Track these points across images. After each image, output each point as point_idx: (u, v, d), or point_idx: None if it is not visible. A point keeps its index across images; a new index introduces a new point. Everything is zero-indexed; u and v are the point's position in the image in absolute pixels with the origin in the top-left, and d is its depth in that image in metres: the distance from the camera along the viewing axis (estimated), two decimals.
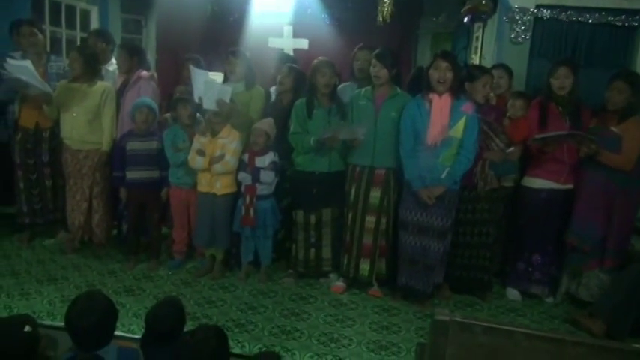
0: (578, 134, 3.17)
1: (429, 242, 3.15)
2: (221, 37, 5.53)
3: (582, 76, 3.92)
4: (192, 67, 3.64)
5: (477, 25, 4.70)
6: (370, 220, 3.32)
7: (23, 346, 1.71)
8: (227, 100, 3.36)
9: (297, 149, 3.43)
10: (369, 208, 3.32)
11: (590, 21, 3.96)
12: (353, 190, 3.35)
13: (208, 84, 3.39)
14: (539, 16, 4.01)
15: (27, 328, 1.71)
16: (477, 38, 4.73)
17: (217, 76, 3.83)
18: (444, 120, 3.03)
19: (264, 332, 2.85)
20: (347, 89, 3.65)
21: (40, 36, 3.81)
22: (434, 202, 3.08)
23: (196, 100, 3.56)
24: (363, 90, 3.36)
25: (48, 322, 2.78)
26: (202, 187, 3.48)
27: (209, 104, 3.37)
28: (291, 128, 3.42)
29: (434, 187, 3.07)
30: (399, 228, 3.26)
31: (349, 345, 2.77)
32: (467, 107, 3.06)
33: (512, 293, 3.49)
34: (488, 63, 4.22)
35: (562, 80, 3.29)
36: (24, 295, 3.13)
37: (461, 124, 3.04)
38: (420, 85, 3.47)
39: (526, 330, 1.62)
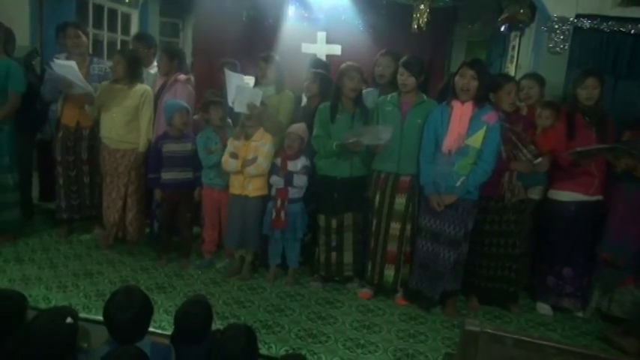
0: (620, 148, 3.09)
1: (439, 249, 3.14)
2: (256, 41, 5.60)
3: (623, 87, 3.86)
4: (226, 71, 3.71)
5: (513, 33, 4.64)
6: (395, 226, 3.32)
7: (64, 336, 1.78)
8: (258, 103, 3.41)
9: (320, 153, 3.46)
10: (394, 214, 3.32)
11: (632, 32, 3.86)
12: (378, 197, 3.35)
13: (240, 88, 3.46)
14: (579, 25, 3.92)
15: (69, 320, 1.79)
16: (514, 47, 4.66)
17: (250, 80, 3.90)
18: (461, 128, 3.01)
19: (291, 335, 2.88)
20: (369, 95, 3.66)
21: (84, 38, 3.95)
22: (445, 210, 3.07)
23: (230, 103, 3.63)
24: (389, 96, 3.36)
25: (84, 315, 2.86)
26: (234, 189, 3.54)
27: (240, 108, 3.43)
28: (314, 132, 3.45)
29: (446, 194, 3.06)
30: (416, 232, 3.28)
31: (375, 352, 2.77)
32: (489, 117, 3.03)
33: (543, 307, 3.43)
34: (524, 72, 4.16)
35: (590, 91, 3.24)
36: (61, 287, 3.25)
37: (480, 134, 3.01)
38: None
39: (557, 344, 1.59)
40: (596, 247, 3.27)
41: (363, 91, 3.60)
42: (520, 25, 4.31)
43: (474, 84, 2.99)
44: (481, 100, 3.04)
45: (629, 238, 3.16)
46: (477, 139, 3.02)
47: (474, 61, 3.11)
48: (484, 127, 3.01)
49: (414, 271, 3.29)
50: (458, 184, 3.04)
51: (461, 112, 3.02)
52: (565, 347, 1.60)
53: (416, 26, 4.35)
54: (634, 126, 3.27)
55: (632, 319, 3.06)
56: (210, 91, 4.30)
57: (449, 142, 3.03)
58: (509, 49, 4.82)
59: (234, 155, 3.46)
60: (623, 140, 3.24)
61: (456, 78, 3.06)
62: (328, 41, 5.50)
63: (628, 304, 3.19)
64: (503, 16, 4.33)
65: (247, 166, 3.44)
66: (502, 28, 4.54)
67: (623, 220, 3.18)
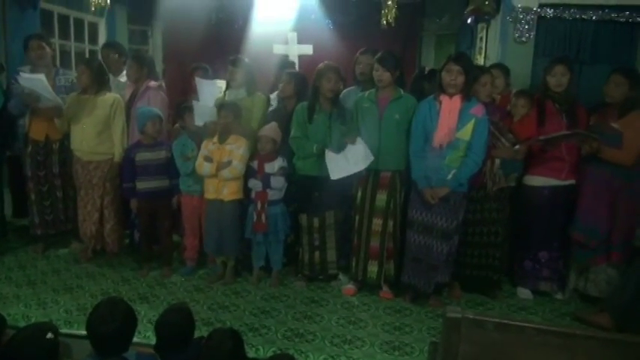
0: (581, 133, 3.19)
1: (432, 242, 3.16)
2: (226, 44, 5.60)
3: (587, 72, 3.96)
4: (197, 79, 3.70)
5: (480, 25, 4.72)
6: (377, 222, 3.35)
7: (46, 352, 1.75)
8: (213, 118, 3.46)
9: (298, 153, 3.47)
10: (376, 210, 3.34)
11: (593, 18, 3.96)
12: (359, 193, 3.38)
13: (197, 108, 3.55)
14: (543, 15, 4.02)
15: (49, 335, 1.76)
16: (481, 39, 4.75)
17: (222, 84, 3.90)
18: (451, 122, 3.04)
19: (278, 335, 2.88)
20: (350, 94, 3.68)
21: (48, 49, 3.87)
22: (438, 203, 3.10)
23: None
24: (367, 93, 3.38)
25: (65, 330, 2.81)
26: (209, 194, 3.51)
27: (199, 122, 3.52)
28: (292, 132, 3.46)
29: (438, 187, 3.10)
30: (407, 226, 3.29)
31: (362, 346, 2.79)
32: (477, 110, 3.08)
33: (524, 292, 3.50)
34: (492, 63, 4.24)
35: (559, 78, 3.32)
36: (41, 304, 3.18)
37: (469, 127, 3.05)
38: (422, 86, 3.51)
39: (537, 325, 1.64)
40: (568, 229, 3.35)
41: (344, 91, 3.61)
42: (486, 16, 4.38)
43: (461, 79, 3.02)
44: (468, 93, 3.08)
45: (599, 219, 3.25)
46: (466, 132, 3.05)
47: (459, 56, 3.15)
48: (473, 120, 3.05)
49: (406, 265, 3.30)
50: (449, 176, 3.08)
51: (450, 106, 3.05)
52: (544, 327, 1.64)
53: (385, 22, 4.39)
54: (598, 110, 3.36)
55: (606, 298, 3.14)
56: (190, 97, 4.26)
57: (440, 137, 3.05)
58: (477, 41, 4.91)
59: (208, 159, 3.44)
60: (589, 125, 3.33)
61: (443, 73, 3.08)
62: (299, 41, 5.52)
63: (602, 283, 3.28)
64: (469, 8, 4.40)
65: (222, 169, 3.41)
66: (469, 21, 4.62)
67: (592, 202, 3.26)
